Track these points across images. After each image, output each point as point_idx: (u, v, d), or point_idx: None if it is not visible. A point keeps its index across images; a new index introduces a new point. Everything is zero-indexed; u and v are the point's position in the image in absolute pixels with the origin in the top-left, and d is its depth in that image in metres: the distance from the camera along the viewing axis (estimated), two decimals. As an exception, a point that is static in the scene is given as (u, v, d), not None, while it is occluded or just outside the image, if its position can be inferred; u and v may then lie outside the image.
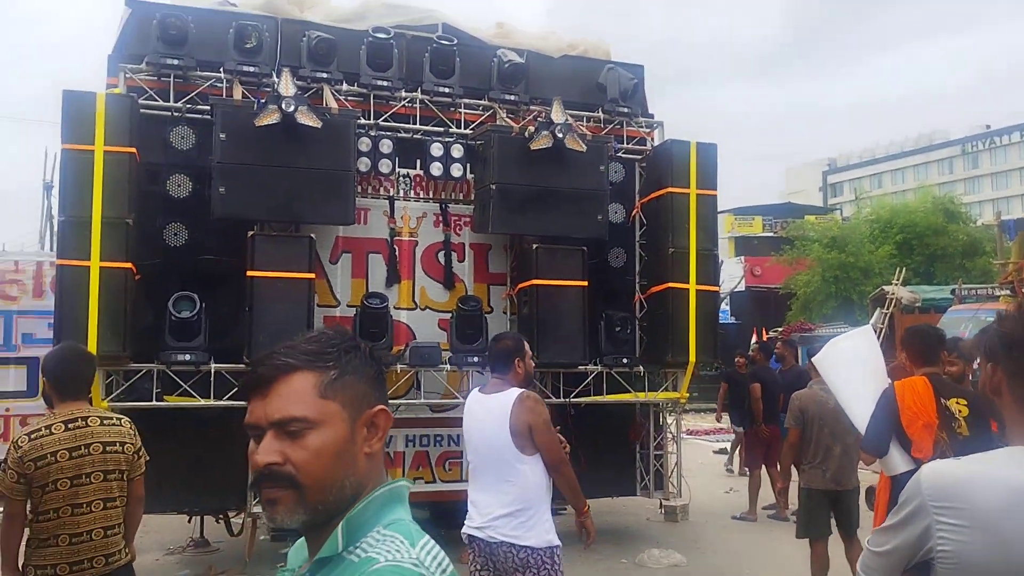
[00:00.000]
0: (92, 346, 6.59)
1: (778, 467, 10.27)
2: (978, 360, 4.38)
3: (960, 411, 4.22)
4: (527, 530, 4.02)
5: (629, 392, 8.42)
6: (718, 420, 13.52)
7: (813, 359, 5.18)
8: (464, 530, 4.25)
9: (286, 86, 7.11)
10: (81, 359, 3.80)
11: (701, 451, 15.76)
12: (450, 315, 8.07)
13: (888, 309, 18.43)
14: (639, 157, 9.01)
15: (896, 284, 19.07)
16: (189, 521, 8.26)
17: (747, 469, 10.57)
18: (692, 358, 8.27)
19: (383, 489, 1.38)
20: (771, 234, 40.55)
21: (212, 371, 7.17)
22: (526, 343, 4.43)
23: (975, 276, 24.51)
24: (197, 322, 7.13)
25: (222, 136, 7.09)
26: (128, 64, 7.47)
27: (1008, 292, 13.80)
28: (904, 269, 20.80)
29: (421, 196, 8.38)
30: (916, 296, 18.82)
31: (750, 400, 10.19)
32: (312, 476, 1.31)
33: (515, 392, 4.14)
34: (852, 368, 4.65)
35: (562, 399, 8.21)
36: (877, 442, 4.35)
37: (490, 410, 4.16)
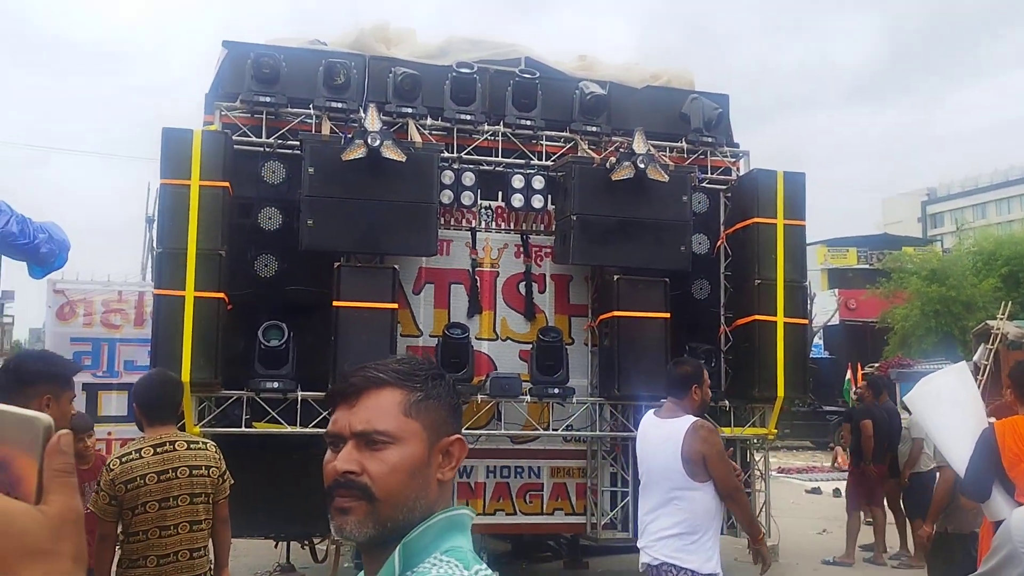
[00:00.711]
0: (185, 373, 6.84)
1: (885, 507, 9.84)
2: None
3: None
4: (690, 553, 4.14)
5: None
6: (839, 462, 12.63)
7: (905, 398, 4.93)
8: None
9: (372, 121, 7.30)
10: (169, 385, 3.94)
11: (793, 490, 15.24)
12: (531, 346, 8.06)
13: (993, 345, 17.52)
14: (724, 187, 8.87)
15: (1002, 319, 18.14)
16: (276, 546, 8.42)
17: (847, 510, 10.08)
18: (781, 393, 8.02)
19: (442, 516, 1.38)
20: (866, 266, 39.23)
21: (299, 398, 7.33)
22: (705, 370, 4.59)
23: (1088, 311, 23.12)
24: (285, 351, 7.32)
25: (310, 170, 7.32)
26: (223, 102, 7.80)
27: None
28: (1010, 303, 19.78)
29: (503, 227, 8.44)
30: (1023, 331, 17.85)
31: (860, 438, 9.80)
32: (386, 490, 1.33)
33: (689, 420, 4.25)
34: (947, 407, 4.42)
35: (644, 433, 8.06)
36: (978, 486, 4.11)
37: (665, 435, 4.29)
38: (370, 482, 1.33)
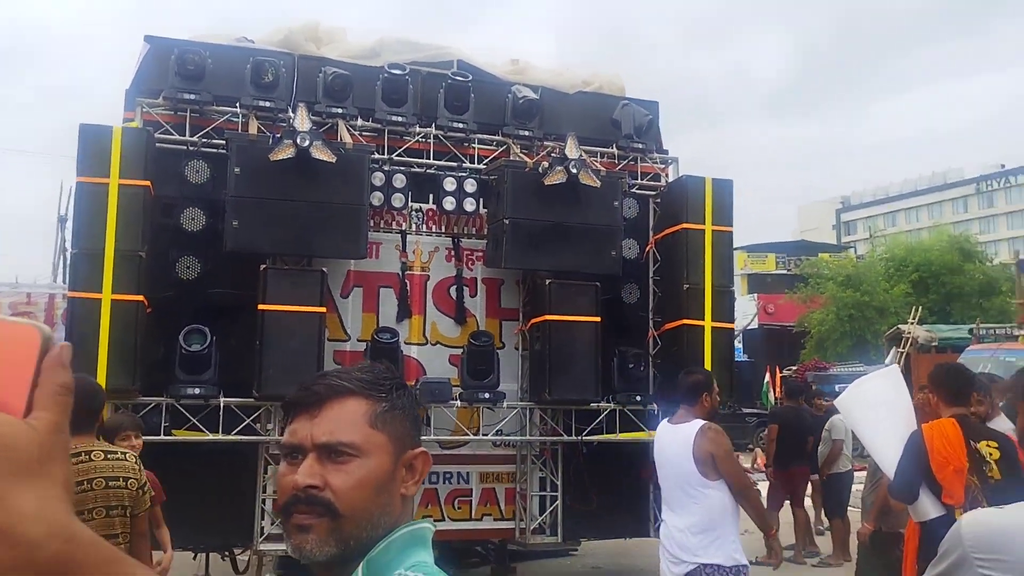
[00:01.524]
0: (102, 379, 6.55)
1: (804, 508, 10.11)
2: (1004, 401, 4.26)
3: (991, 454, 4.10)
4: (716, 549, 4.42)
5: (643, 431, 8.29)
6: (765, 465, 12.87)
7: (836, 401, 5.10)
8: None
9: (302, 121, 7.13)
10: (88, 391, 3.75)
11: (715, 491, 15.50)
12: (461, 351, 8.00)
13: (904, 348, 18.24)
14: (653, 193, 8.97)
15: (912, 323, 18.89)
16: (195, 558, 8.14)
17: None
18: (707, 397, 8.14)
19: (404, 530, 1.32)
20: (784, 271, 40.39)
21: (221, 405, 7.11)
22: (713, 379, 5.01)
23: (992, 316, 24.26)
24: (208, 356, 7.09)
25: (236, 170, 7.11)
26: (145, 99, 7.52)
27: (1027, 332, 13.61)
28: (920, 308, 20.62)
29: (434, 230, 8.36)
30: (933, 335, 18.62)
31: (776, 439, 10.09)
32: (350, 506, 1.26)
33: (699, 423, 4.58)
34: (878, 410, 4.54)
35: (574, 437, 8.10)
36: (906, 488, 4.23)
37: (677, 439, 4.63)
38: (333, 497, 1.25)
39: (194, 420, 7.11)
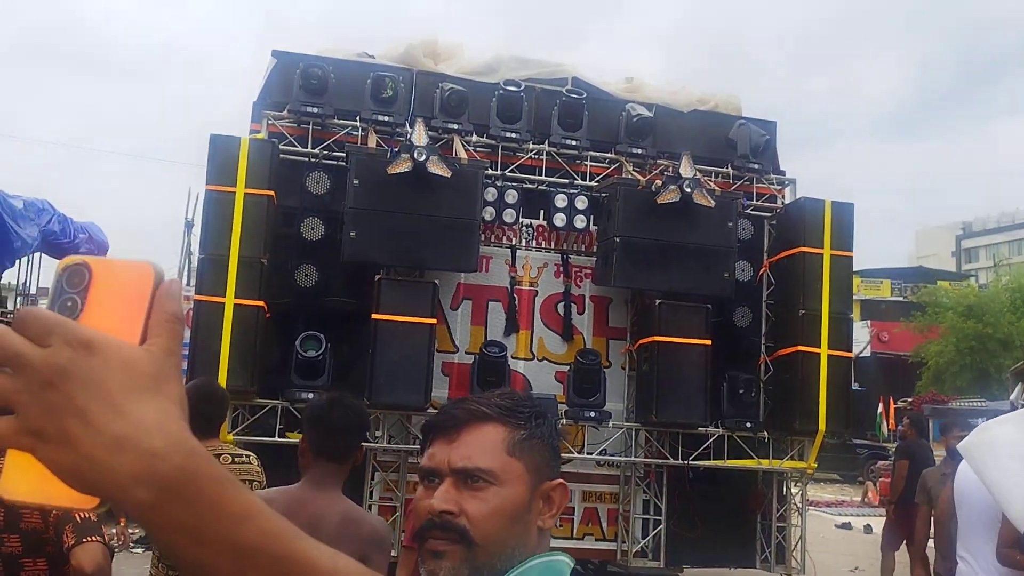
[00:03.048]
0: (222, 379, 6.81)
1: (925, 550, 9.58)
2: None
3: None
4: None
5: (752, 458, 8.05)
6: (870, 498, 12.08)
7: (959, 446, 4.66)
8: None
9: (419, 136, 7.27)
10: (216, 396, 3.89)
11: (822, 524, 14.96)
12: (567, 367, 7.97)
13: (1033, 385, 17.13)
14: (769, 215, 8.74)
15: (1042, 358, 17.74)
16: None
17: (882, 549, 9.82)
18: (822, 427, 7.85)
19: (538, 561, 1.29)
20: (900, 299, 38.69)
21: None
22: None
23: None
24: (322, 361, 7.27)
25: (355, 182, 7.30)
26: (271, 111, 7.81)
27: None
28: (1051, 343, 19.36)
29: (543, 246, 8.37)
30: (1065, 372, 17.41)
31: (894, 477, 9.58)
32: (485, 534, 1.24)
33: None
34: (1007, 460, 4.18)
35: (680, 460, 7.93)
36: None
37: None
38: (468, 525, 1.24)
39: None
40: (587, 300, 8.40)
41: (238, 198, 7.12)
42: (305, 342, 7.22)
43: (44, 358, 0.62)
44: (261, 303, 7.12)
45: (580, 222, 8.06)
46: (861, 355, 30.69)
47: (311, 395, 7.19)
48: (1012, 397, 18.25)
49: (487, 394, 1.37)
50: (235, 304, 7.01)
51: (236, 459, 3.79)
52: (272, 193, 7.26)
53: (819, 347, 7.91)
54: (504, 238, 8.29)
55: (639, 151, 8.37)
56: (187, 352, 7.26)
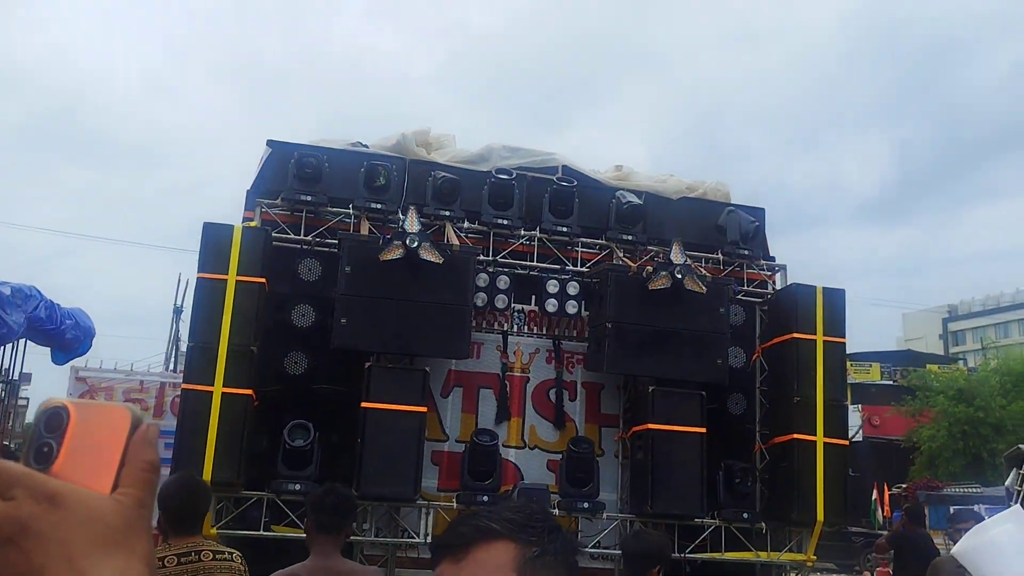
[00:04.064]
0: (208, 471, 6.66)
1: None
2: None
3: None
4: None
5: (750, 551, 7.85)
6: None
7: (954, 551, 4.38)
8: None
9: (411, 222, 7.31)
10: (198, 491, 3.76)
11: (821, 617, 14.50)
12: (559, 456, 7.83)
13: (1027, 470, 16.98)
14: (760, 300, 8.76)
15: (1036, 443, 17.63)
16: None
17: None
18: (820, 517, 7.69)
19: None
20: (890, 382, 38.60)
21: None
22: None
23: (1125, 437, 22.47)
24: (310, 451, 7.13)
25: (347, 269, 7.30)
26: (265, 199, 7.86)
27: None
28: (1043, 427, 19.26)
29: (535, 332, 8.34)
30: (1059, 457, 17.31)
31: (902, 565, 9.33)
32: None
33: None
34: (1012, 560, 3.98)
35: (677, 553, 7.71)
36: None
37: None
38: None
39: (292, 516, 7.09)
40: (579, 386, 8.33)
41: (229, 286, 7.09)
42: (293, 431, 7.08)
43: (5, 512, 0.60)
44: (250, 391, 7.01)
45: (572, 307, 8.05)
46: (853, 440, 30.47)
47: (298, 486, 7.04)
48: (1007, 483, 18.08)
49: (498, 507, 1.30)
50: (223, 393, 6.90)
51: (218, 556, 3.64)
52: (264, 280, 7.24)
53: (815, 435, 7.81)
54: (496, 324, 8.26)
55: (630, 238, 8.44)
56: (174, 442, 7.09)
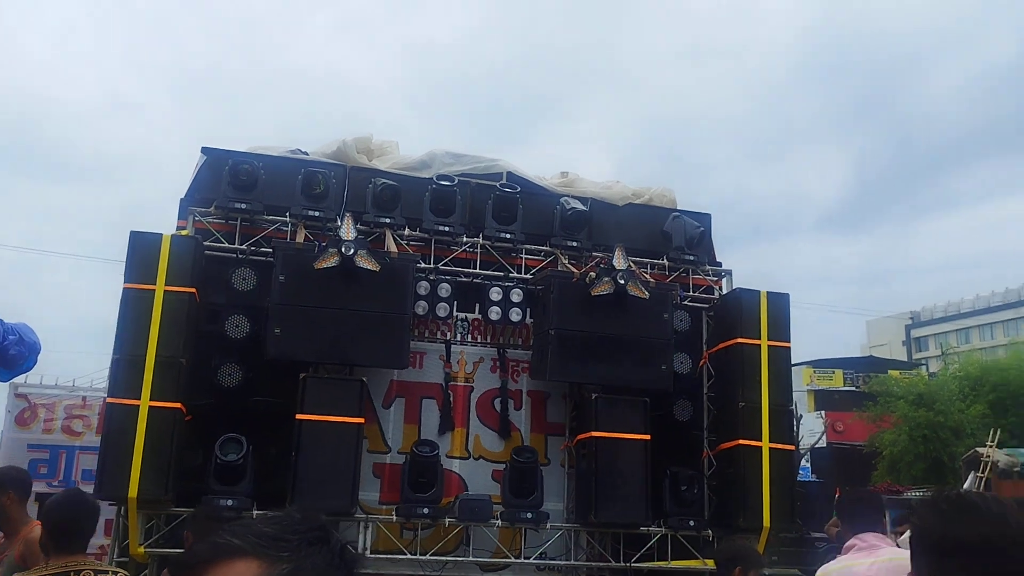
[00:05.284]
0: (134, 487, 6.44)
1: None
2: None
3: None
4: None
5: (697, 559, 7.74)
6: None
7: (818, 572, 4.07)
8: None
9: (347, 230, 7.16)
10: (83, 510, 3.56)
11: (780, 625, 14.44)
12: (504, 466, 7.68)
13: (984, 473, 17.12)
14: (706, 306, 8.69)
15: (991, 446, 17.79)
16: None
17: None
18: (767, 523, 7.61)
19: None
20: (853, 388, 38.93)
21: (254, 517, 6.87)
22: None
23: (1079, 440, 22.78)
24: (243, 466, 6.92)
25: (281, 278, 7.12)
26: (198, 207, 7.66)
27: (1120, 459, 12.62)
28: (999, 431, 19.45)
29: (479, 340, 8.20)
30: (1014, 460, 17.48)
31: None
32: None
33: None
34: None
35: (622, 563, 7.59)
36: None
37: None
38: None
39: (246, 519, 6.86)
40: (524, 395, 8.20)
41: (157, 296, 6.88)
42: (225, 445, 6.87)
43: None
44: (179, 405, 6.80)
45: (516, 315, 7.93)
46: (817, 446, 30.64)
47: (231, 502, 6.83)
48: (966, 486, 18.22)
49: (254, 520, 1.16)
50: (150, 407, 6.68)
51: (99, 574, 3.45)
52: (194, 290, 7.04)
53: (761, 440, 7.75)
54: (438, 333, 8.11)
55: (574, 244, 8.34)
56: (98, 458, 6.85)
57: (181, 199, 7.92)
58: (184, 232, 7.49)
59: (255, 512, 6.85)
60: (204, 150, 8.05)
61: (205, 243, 7.42)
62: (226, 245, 7.60)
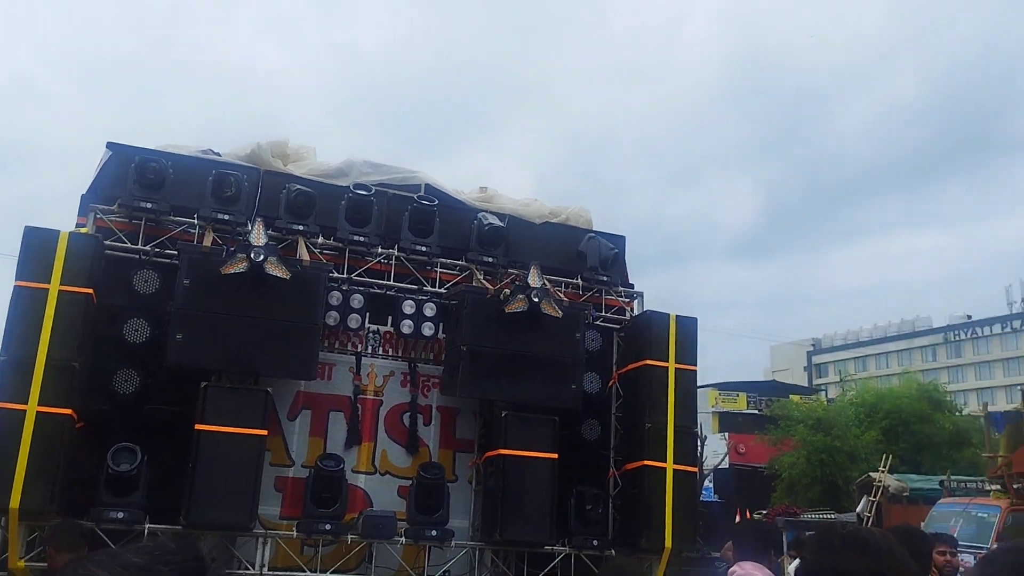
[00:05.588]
0: (15, 499, 6.10)
1: None
2: None
3: None
4: None
5: (599, 578, 7.77)
6: None
7: None
8: None
9: (258, 235, 6.97)
10: None
11: (679, 643, 14.65)
12: (411, 482, 7.58)
13: (875, 497, 17.82)
14: (618, 327, 8.79)
15: (883, 472, 18.53)
16: None
17: None
18: (668, 544, 7.70)
19: None
20: (756, 411, 40.09)
21: (146, 532, 6.59)
22: None
23: (962, 467, 23.95)
24: (136, 476, 6.63)
25: (185, 282, 6.88)
26: (100, 204, 7.34)
27: (998, 487, 13.30)
28: (891, 456, 20.29)
29: (390, 354, 8.09)
30: (904, 485, 18.26)
31: None
32: None
33: None
34: None
35: (526, 582, 7.58)
36: None
37: None
38: None
39: (114, 548, 6.54)
40: (434, 411, 8.12)
41: (51, 295, 6.55)
42: (117, 455, 6.57)
43: None
44: (70, 411, 6.47)
45: (428, 329, 7.86)
46: (720, 467, 31.40)
47: (121, 514, 6.53)
48: (858, 509, 18.90)
49: (123, 551, 1.08)
50: (39, 412, 6.33)
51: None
52: (91, 291, 6.72)
53: (665, 461, 7.85)
54: (349, 344, 7.97)
55: (490, 260, 8.32)
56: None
57: (83, 195, 7.58)
58: (84, 230, 7.17)
59: (147, 525, 6.58)
60: (110, 145, 7.74)
61: (106, 242, 7.11)
62: (129, 245, 7.30)
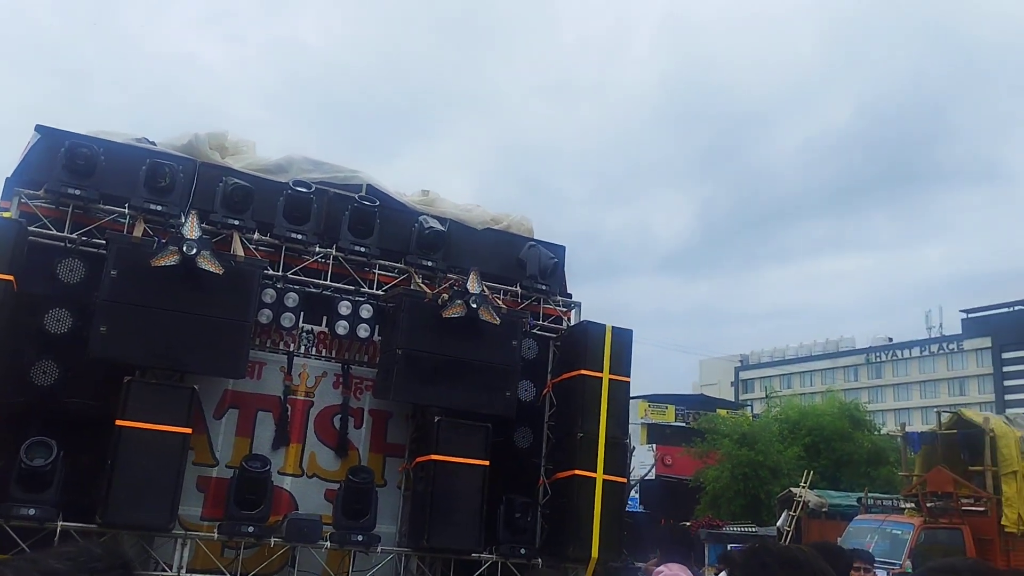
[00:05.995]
0: (-83, 491, 5.79)
1: None
2: None
3: None
4: None
5: (524, 586, 7.78)
6: None
7: None
8: None
9: (191, 228, 6.79)
10: None
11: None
12: (339, 486, 7.46)
13: (795, 512, 18.23)
14: (554, 335, 8.83)
15: (804, 487, 18.98)
16: None
17: None
18: (595, 554, 7.75)
19: None
20: (684, 424, 40.68)
21: (58, 530, 6.34)
22: None
23: (879, 485, 24.69)
24: (51, 472, 6.37)
25: (113, 273, 6.66)
26: (25, 189, 7.06)
27: (912, 505, 13.74)
28: (812, 472, 20.80)
29: (323, 354, 7.96)
30: (823, 501, 18.72)
31: None
32: None
33: None
34: None
35: (451, 589, 7.52)
36: None
37: None
38: None
39: (24, 546, 6.29)
40: (366, 414, 8.01)
41: (-33, 280, 6.26)
42: (31, 449, 6.31)
43: None
44: (-19, 402, 6.19)
45: (364, 331, 7.76)
46: (647, 478, 31.77)
47: (33, 511, 6.27)
48: (779, 523, 19.33)
49: (44, 553, 1.02)
50: (-53, 402, 6.05)
51: None
52: (11, 278, 6.46)
53: (595, 471, 7.90)
54: (281, 343, 7.82)
55: (430, 264, 8.27)
56: None
57: (7, 178, 7.28)
58: (7, 214, 6.89)
59: (60, 524, 6.33)
60: (39, 128, 7.44)
61: (30, 228, 6.84)
62: (54, 232, 7.04)
